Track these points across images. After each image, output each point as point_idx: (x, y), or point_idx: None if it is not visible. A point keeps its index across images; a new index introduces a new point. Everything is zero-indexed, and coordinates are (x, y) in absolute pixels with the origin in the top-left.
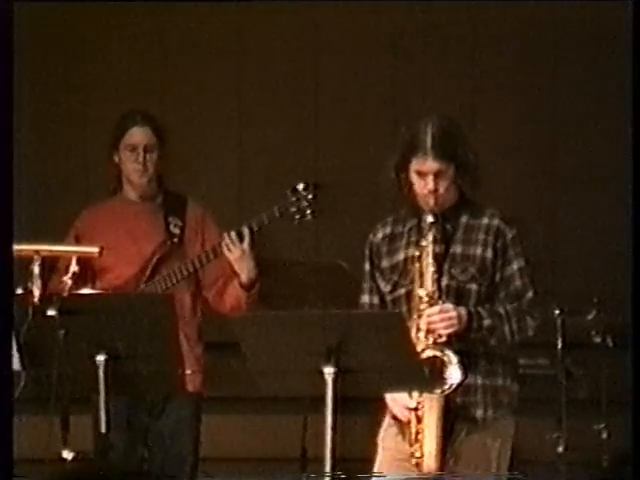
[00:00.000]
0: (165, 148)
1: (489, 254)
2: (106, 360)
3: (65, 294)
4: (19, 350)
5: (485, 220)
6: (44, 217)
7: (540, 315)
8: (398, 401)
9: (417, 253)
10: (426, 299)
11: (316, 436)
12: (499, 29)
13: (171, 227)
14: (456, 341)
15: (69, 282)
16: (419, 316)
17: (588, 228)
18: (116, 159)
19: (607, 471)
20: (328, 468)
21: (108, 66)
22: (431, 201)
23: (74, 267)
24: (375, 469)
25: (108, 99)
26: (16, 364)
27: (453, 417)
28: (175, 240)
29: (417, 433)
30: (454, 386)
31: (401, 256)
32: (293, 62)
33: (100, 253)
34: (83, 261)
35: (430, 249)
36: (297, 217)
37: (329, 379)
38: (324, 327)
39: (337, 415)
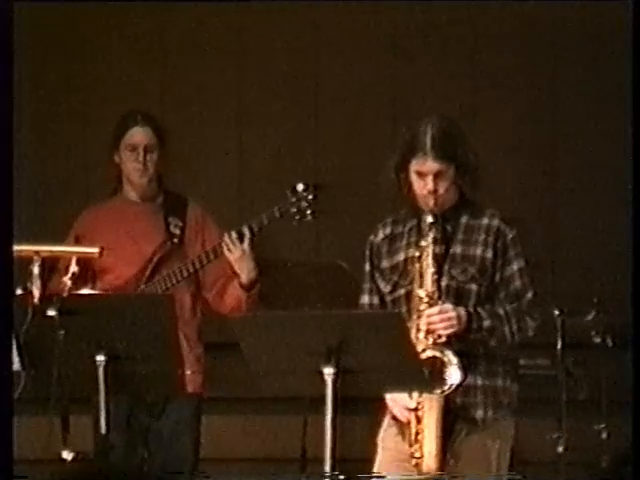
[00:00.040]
0: (165, 148)
1: (489, 254)
2: (106, 360)
3: (65, 294)
4: (19, 350)
5: (485, 220)
6: (44, 217)
7: (540, 315)
8: (398, 401)
9: (417, 253)
10: (426, 299)
11: (316, 436)
12: (499, 29)
13: (171, 227)
14: (456, 342)
15: (69, 282)
16: (419, 316)
17: (588, 228)
18: (116, 159)
19: (607, 471)
20: (328, 468)
21: (108, 66)
22: (431, 201)
23: (74, 267)
24: (375, 469)
25: (108, 99)
26: (16, 364)
27: (453, 417)
28: (175, 240)
29: (417, 433)
30: (454, 387)
31: (401, 256)
32: (293, 62)
33: (100, 253)
34: (83, 261)
35: (430, 249)
36: (297, 217)
37: (329, 379)
38: (324, 327)
39: (337, 415)
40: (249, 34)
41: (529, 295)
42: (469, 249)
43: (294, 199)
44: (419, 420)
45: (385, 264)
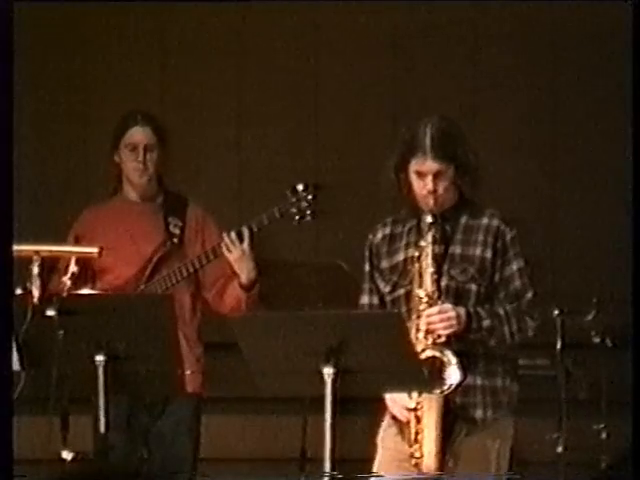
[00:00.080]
0: (165, 148)
1: (488, 254)
2: (105, 360)
3: (64, 294)
4: (18, 350)
5: (485, 220)
6: (44, 217)
7: (540, 315)
8: (397, 401)
9: (416, 253)
10: (425, 299)
11: (315, 436)
12: (499, 29)
13: (171, 227)
14: (455, 341)
15: (68, 282)
16: (418, 316)
17: (588, 228)
18: (116, 159)
19: (607, 471)
20: (327, 468)
21: (108, 66)
22: (430, 201)
23: (73, 267)
24: (374, 469)
25: (108, 99)
26: (15, 364)
27: (452, 417)
28: (175, 240)
29: (416, 433)
30: (453, 386)
31: (401, 257)
32: (293, 62)
33: (100, 253)
34: (83, 261)
35: (429, 249)
36: (297, 218)
37: (328, 379)
38: (324, 327)
39: (336, 415)
40: (249, 34)
41: (529, 295)
42: (468, 249)
43: (294, 199)
44: (419, 420)
45: (385, 264)
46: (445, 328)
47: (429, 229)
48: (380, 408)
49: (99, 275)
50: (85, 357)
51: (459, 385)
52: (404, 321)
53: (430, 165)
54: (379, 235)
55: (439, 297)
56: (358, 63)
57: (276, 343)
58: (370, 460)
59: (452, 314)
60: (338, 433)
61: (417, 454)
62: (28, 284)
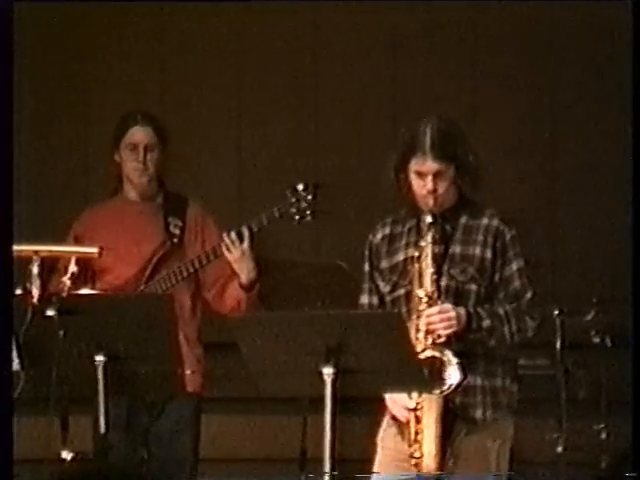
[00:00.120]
0: (166, 148)
1: (488, 254)
2: (105, 360)
3: (64, 294)
4: (18, 350)
5: (484, 220)
6: (44, 217)
7: (539, 315)
8: (397, 401)
9: (416, 253)
10: (425, 299)
11: (315, 436)
12: (499, 29)
13: (171, 227)
14: (455, 342)
15: (68, 282)
16: (418, 316)
17: (588, 228)
18: (117, 159)
19: (607, 471)
20: (327, 468)
21: (108, 66)
22: (430, 201)
23: (73, 267)
24: (374, 469)
25: (108, 99)
26: (15, 364)
27: (452, 418)
28: (175, 240)
29: (416, 433)
30: (453, 387)
31: (400, 256)
32: (293, 62)
33: (100, 253)
34: (83, 261)
35: (429, 249)
36: (297, 218)
37: (328, 379)
38: (323, 327)
39: (336, 415)
40: (249, 34)
41: (528, 295)
42: (468, 249)
43: (294, 199)
44: (418, 420)
45: (384, 264)
46: (445, 328)
47: (429, 229)
48: (380, 408)
49: (99, 275)
50: (85, 357)
51: (459, 385)
52: (404, 321)
53: (430, 165)
54: (379, 235)
55: (439, 297)
56: (358, 63)
57: (276, 343)
58: (370, 460)
59: (452, 314)
60: (338, 433)
61: (417, 454)
62: (28, 284)
